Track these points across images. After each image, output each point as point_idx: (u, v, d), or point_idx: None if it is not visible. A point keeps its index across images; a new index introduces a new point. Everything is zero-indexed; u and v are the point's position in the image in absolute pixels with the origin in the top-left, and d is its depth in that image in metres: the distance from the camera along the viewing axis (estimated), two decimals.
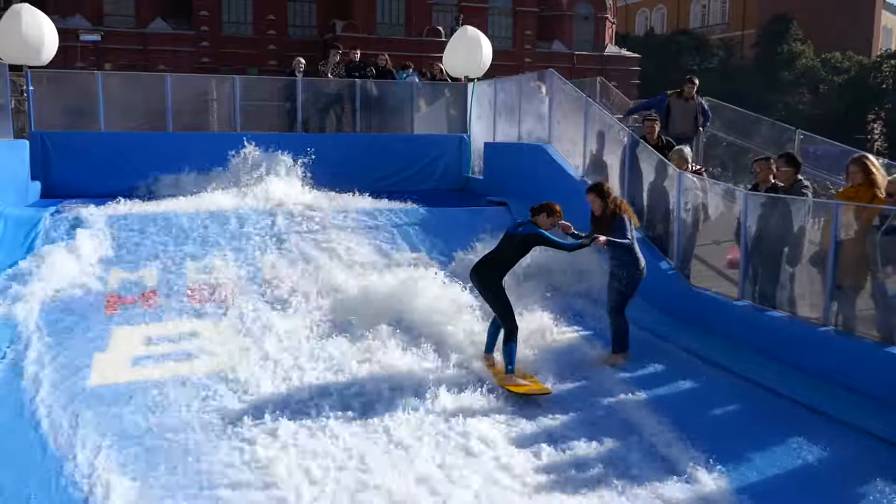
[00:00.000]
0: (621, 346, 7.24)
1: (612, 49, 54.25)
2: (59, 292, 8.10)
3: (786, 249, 7.46)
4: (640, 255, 7.21)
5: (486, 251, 7.29)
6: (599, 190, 7.31)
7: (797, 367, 6.75)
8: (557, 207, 6.94)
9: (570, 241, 6.99)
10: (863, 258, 6.59)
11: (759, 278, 7.74)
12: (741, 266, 7.80)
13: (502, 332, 6.81)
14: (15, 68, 11.77)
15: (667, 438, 5.75)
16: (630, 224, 7.18)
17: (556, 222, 6.94)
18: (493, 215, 10.96)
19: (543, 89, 13.61)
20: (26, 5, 12.28)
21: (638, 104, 14.66)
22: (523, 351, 7.11)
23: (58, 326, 7.47)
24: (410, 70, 15.53)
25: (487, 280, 6.82)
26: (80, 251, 8.96)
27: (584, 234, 7.09)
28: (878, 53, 62.28)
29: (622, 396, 6.47)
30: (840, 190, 7.68)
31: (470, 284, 7.31)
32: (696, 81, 11.88)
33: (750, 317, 7.52)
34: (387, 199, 11.20)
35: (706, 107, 11.89)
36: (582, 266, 9.04)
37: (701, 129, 11.82)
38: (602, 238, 6.89)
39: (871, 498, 4.94)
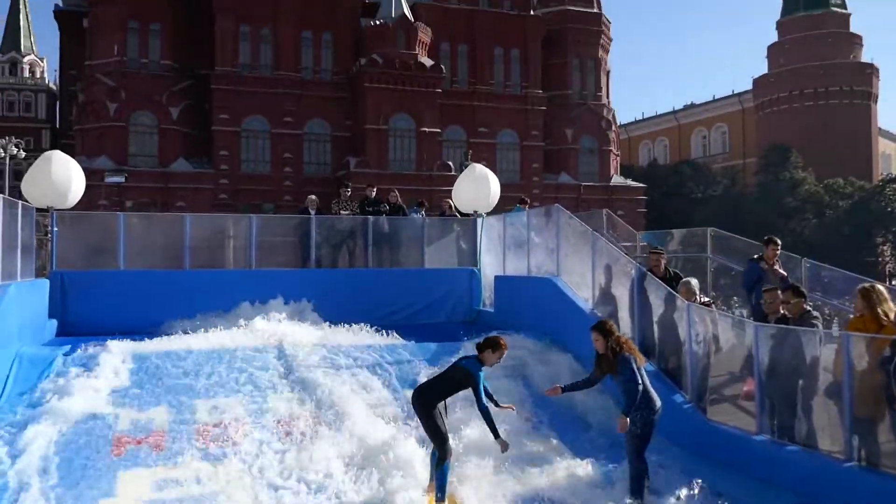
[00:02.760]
0: (639, 492, 6.95)
1: (617, 179, 55.78)
2: (67, 433, 8.03)
3: (801, 381, 7.40)
4: (653, 394, 7.04)
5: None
6: (602, 328, 7.23)
7: (822, 503, 6.54)
8: (503, 341, 7.15)
9: (491, 404, 6.98)
10: (878, 388, 6.52)
11: (777, 411, 7.63)
12: (756, 399, 7.71)
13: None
14: (41, 208, 12.20)
15: None
16: (635, 363, 6.99)
17: (502, 356, 7.15)
18: None
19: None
20: (57, 152, 12.91)
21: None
22: (538, 484, 7.01)
23: (65, 469, 7.36)
24: (421, 207, 16.01)
25: (423, 405, 7.00)
26: (91, 391, 8.94)
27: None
28: (880, 178, 63.67)
29: None
30: (850, 319, 7.71)
31: None
32: (779, 242, 10.29)
33: (769, 452, 7.36)
34: (398, 335, 11.23)
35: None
36: (601, 399, 8.95)
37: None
38: (501, 443, 6.84)
39: None
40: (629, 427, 6.97)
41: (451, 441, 7.07)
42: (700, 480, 7.22)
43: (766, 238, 10.50)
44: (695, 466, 7.73)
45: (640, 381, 6.91)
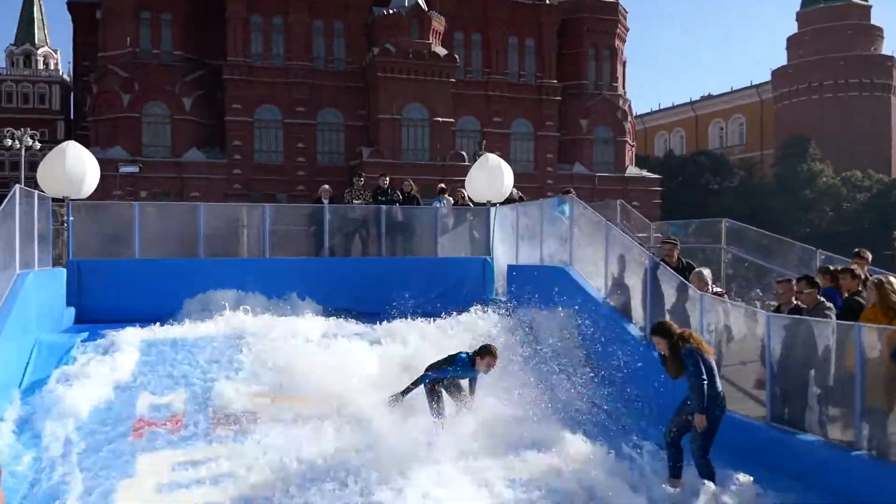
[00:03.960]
0: (712, 477, 6.72)
1: (632, 170, 55.50)
2: (86, 417, 8.19)
3: (812, 371, 7.40)
4: (720, 389, 6.77)
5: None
6: (661, 330, 6.99)
7: (830, 491, 6.55)
8: (494, 351, 8.04)
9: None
10: (890, 379, 6.52)
11: (788, 400, 7.64)
12: (767, 388, 7.72)
13: None
14: (56, 199, 12.32)
15: None
16: (700, 356, 6.70)
17: (489, 365, 7.99)
18: None
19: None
20: (72, 142, 13.00)
21: None
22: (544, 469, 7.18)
23: (85, 452, 7.50)
24: (443, 194, 16.00)
25: (426, 382, 8.06)
26: (109, 376, 9.11)
27: None
28: None
29: None
30: (863, 310, 7.69)
31: None
32: (866, 256, 9.49)
33: (779, 440, 7.36)
34: (410, 320, 11.32)
35: None
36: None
37: None
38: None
39: None
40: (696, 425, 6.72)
41: (438, 420, 7.92)
42: None
43: (856, 251, 9.76)
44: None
45: (704, 375, 6.60)
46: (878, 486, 6.29)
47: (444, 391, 8.15)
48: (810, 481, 6.79)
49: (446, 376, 8.09)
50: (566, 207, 12.58)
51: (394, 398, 8.13)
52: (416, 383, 8.14)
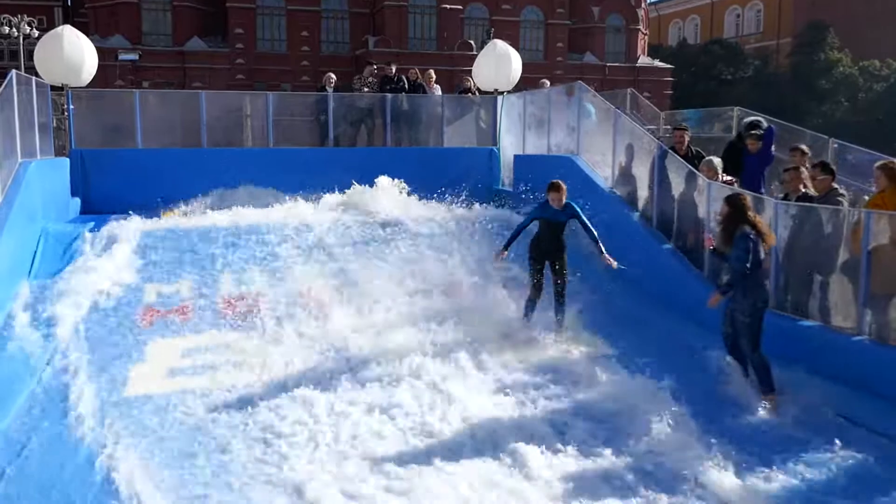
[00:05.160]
0: (770, 384, 6.55)
1: (644, 60, 54.03)
2: (97, 306, 8.29)
3: (818, 258, 7.39)
4: (764, 283, 6.63)
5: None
6: (733, 201, 6.75)
7: (831, 376, 6.66)
8: (557, 185, 8.26)
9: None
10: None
11: (791, 287, 7.67)
12: (772, 275, 7.73)
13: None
14: (56, 88, 12.09)
15: (697, 450, 5.72)
16: (753, 243, 6.47)
17: (555, 197, 8.22)
18: None
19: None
20: (68, 27, 12.64)
21: None
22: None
23: (96, 339, 7.64)
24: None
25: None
26: (118, 265, 9.17)
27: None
28: None
29: (654, 409, 6.41)
30: (869, 197, 7.62)
31: None
32: None
33: (783, 327, 7.42)
34: (421, 208, 11.38)
35: None
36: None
37: None
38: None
39: None
40: (738, 318, 6.66)
41: (538, 287, 8.30)
42: (712, 352, 7.38)
43: None
44: (710, 340, 7.86)
45: (748, 263, 6.43)
46: (877, 368, 6.39)
47: (547, 263, 8.35)
48: (812, 365, 6.89)
49: (532, 217, 8.45)
50: (591, 108, 12.22)
51: (498, 254, 8.50)
52: (513, 235, 8.47)
